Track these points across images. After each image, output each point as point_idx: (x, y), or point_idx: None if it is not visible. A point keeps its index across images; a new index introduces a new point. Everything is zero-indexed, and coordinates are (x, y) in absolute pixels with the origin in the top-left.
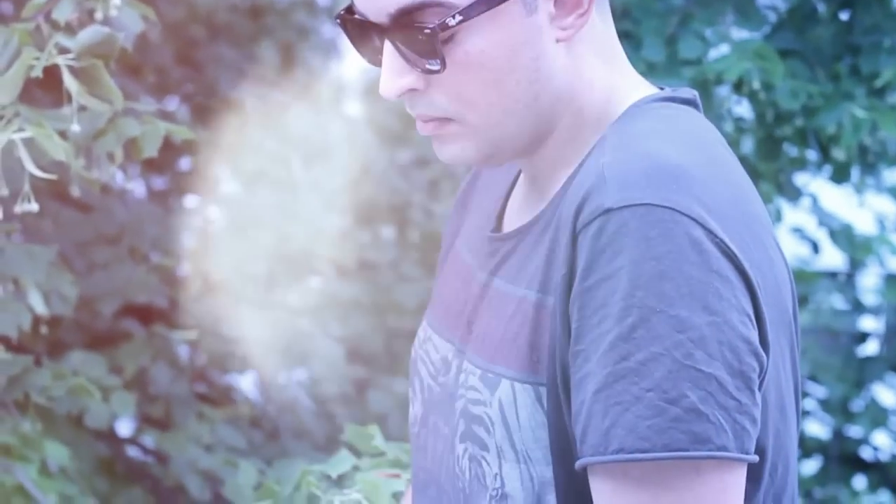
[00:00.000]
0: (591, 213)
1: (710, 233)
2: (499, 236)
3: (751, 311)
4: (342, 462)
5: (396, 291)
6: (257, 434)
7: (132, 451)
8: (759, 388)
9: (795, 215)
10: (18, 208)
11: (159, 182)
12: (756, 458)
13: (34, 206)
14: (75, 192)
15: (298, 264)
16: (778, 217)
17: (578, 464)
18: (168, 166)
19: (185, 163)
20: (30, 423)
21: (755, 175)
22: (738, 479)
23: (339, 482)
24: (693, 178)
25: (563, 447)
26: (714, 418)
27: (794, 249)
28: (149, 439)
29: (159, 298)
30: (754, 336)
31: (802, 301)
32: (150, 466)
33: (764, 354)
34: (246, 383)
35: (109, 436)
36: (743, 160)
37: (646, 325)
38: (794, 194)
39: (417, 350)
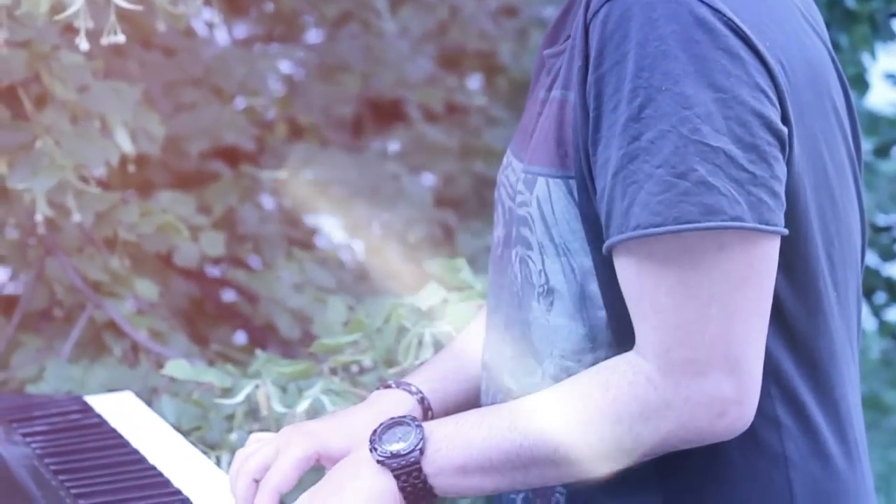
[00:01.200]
0: (599, 1)
1: (716, 11)
2: (551, 52)
3: (768, 88)
4: (432, 294)
5: (485, 135)
6: (346, 275)
7: (221, 291)
8: (787, 165)
9: (891, 61)
10: (105, 40)
11: (242, 30)
12: (784, 230)
13: (120, 38)
14: (161, 27)
15: (386, 108)
16: (873, 59)
17: (604, 247)
18: (252, 11)
19: (269, 8)
20: (119, 261)
21: (850, 17)
22: (766, 253)
23: (429, 314)
24: None
25: (597, 236)
26: (725, 190)
27: (888, 95)
28: (238, 279)
29: (246, 140)
30: (771, 112)
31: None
32: (239, 306)
33: (784, 130)
34: (334, 225)
35: (199, 275)
36: (838, 3)
37: (653, 105)
38: (889, 35)
39: (500, 176)
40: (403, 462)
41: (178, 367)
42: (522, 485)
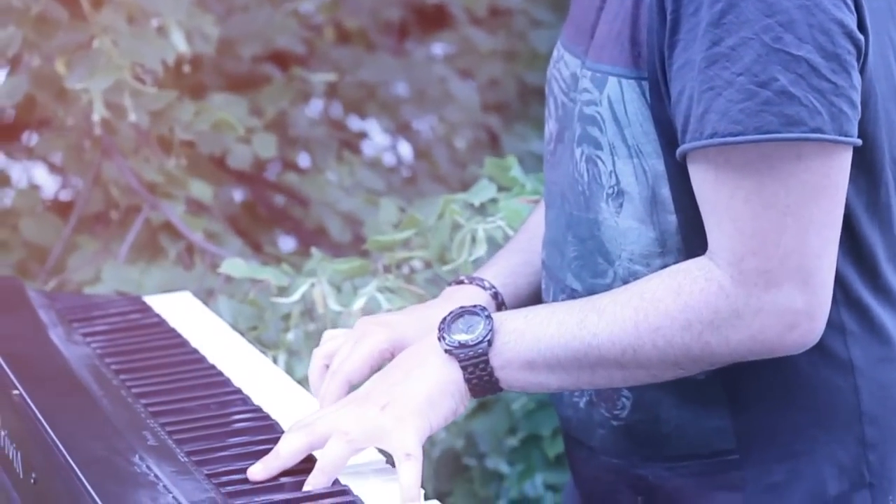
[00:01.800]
0: None
1: None
2: None
3: None
4: (484, 190)
5: (529, 38)
6: (394, 178)
7: (272, 195)
8: (862, 74)
9: None
10: None
11: None
12: (859, 141)
13: None
14: None
15: (431, 12)
16: None
17: (678, 152)
18: None
19: None
20: (174, 162)
21: None
22: (841, 164)
23: (482, 211)
24: None
25: (670, 139)
26: (806, 100)
27: None
28: (289, 182)
29: (296, 44)
30: (850, 20)
31: None
32: (290, 209)
33: (862, 38)
34: (383, 128)
35: (251, 178)
36: None
37: (735, 11)
38: None
39: (551, 70)
40: (471, 353)
41: (235, 266)
42: (588, 384)
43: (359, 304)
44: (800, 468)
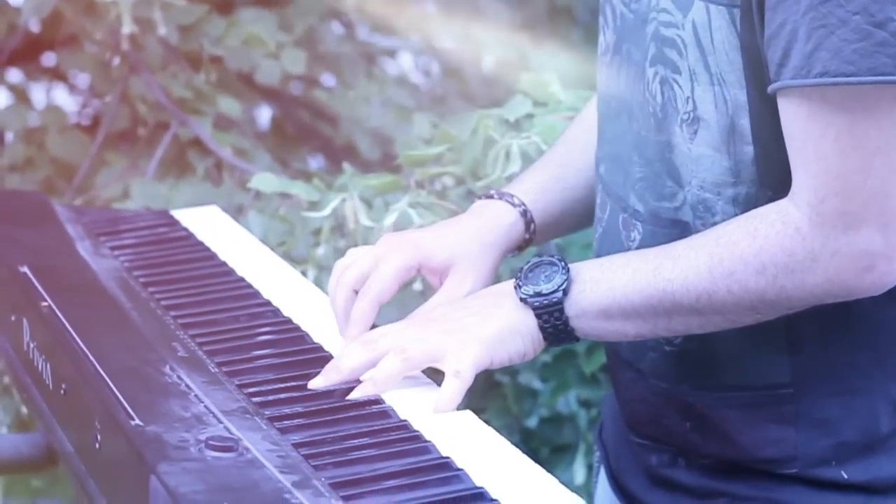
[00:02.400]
0: None
1: None
2: None
3: None
4: (519, 106)
5: None
6: (423, 95)
7: (301, 111)
8: None
9: None
10: None
11: None
12: None
13: None
14: None
15: None
16: None
17: (776, 86)
18: None
19: None
20: (203, 78)
21: None
22: None
23: (517, 126)
24: None
25: (756, 71)
26: None
27: None
28: (318, 99)
29: None
30: None
31: None
32: (319, 126)
33: None
34: (411, 45)
35: (280, 95)
36: None
37: None
38: None
39: None
40: (546, 301)
41: (266, 180)
42: (665, 331)
43: (390, 219)
44: (854, 405)
